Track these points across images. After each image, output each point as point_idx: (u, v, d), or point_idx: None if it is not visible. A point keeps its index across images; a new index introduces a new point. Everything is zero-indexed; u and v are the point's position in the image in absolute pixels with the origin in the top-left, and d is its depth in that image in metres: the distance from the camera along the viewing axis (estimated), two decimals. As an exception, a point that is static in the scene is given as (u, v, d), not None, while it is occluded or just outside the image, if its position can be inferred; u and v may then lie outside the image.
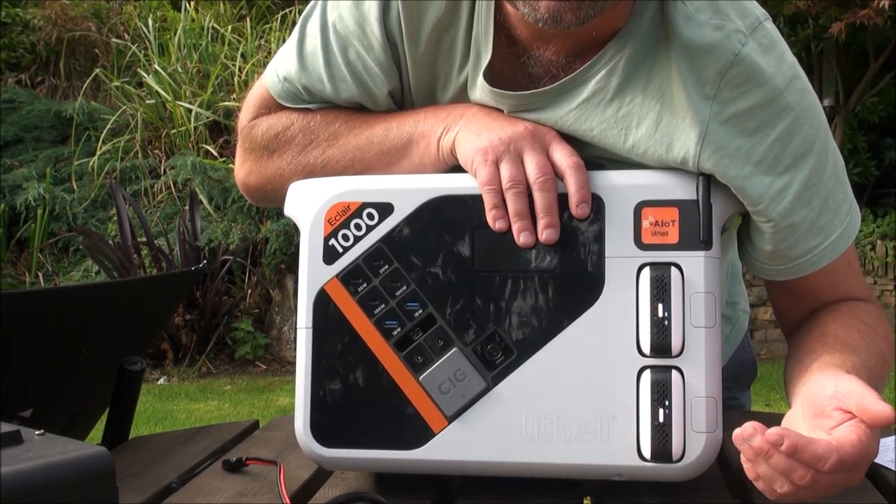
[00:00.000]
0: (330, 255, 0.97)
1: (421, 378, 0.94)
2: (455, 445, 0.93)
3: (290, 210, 1.01)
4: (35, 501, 0.63)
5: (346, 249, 0.96)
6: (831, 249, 0.99)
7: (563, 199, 0.93)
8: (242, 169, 1.14)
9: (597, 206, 0.93)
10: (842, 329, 1.00)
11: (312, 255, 0.97)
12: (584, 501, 0.97)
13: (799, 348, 1.01)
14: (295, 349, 0.97)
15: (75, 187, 6.26)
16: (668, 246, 0.92)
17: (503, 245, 0.94)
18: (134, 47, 7.05)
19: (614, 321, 0.91)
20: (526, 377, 0.92)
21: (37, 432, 0.70)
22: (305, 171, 1.06)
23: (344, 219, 0.97)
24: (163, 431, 1.45)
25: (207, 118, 6.37)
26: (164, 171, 6.21)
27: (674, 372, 0.90)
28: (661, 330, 0.90)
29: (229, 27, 7.07)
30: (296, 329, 1.01)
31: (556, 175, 0.94)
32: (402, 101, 1.07)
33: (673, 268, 0.91)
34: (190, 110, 6.34)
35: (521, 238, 0.93)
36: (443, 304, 0.94)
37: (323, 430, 0.95)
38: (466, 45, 1.00)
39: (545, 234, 0.93)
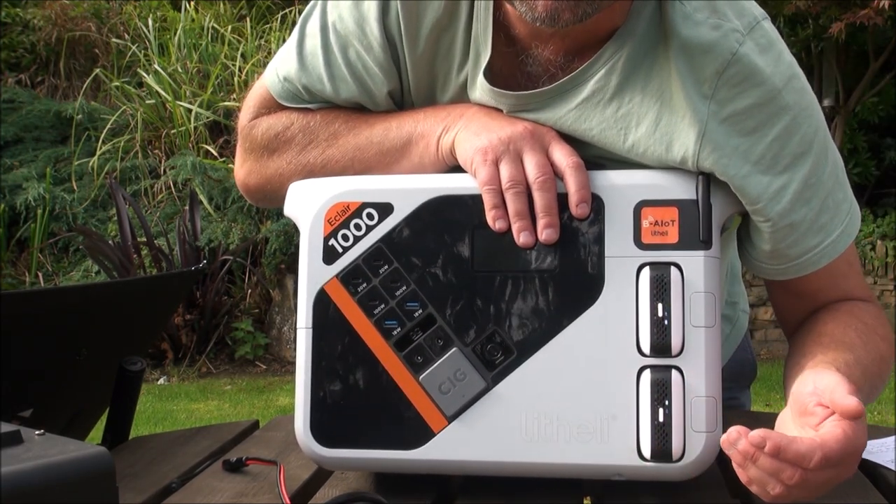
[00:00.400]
0: (330, 255, 0.97)
1: (421, 378, 0.94)
2: (455, 445, 0.93)
3: (289, 210, 1.01)
4: (35, 501, 0.63)
5: (345, 249, 0.96)
6: (831, 249, 0.99)
7: (562, 198, 0.93)
8: (242, 169, 1.14)
9: (596, 205, 0.93)
10: (839, 328, 1.00)
11: (312, 255, 0.97)
12: (584, 501, 0.97)
13: (797, 349, 1.01)
14: (295, 349, 0.97)
15: (75, 187, 6.26)
16: (668, 246, 0.92)
17: (503, 245, 0.94)
18: (134, 47, 7.05)
19: (614, 321, 0.91)
20: (526, 377, 0.92)
21: (37, 432, 0.70)
22: (305, 171, 1.06)
23: (344, 219, 0.97)
24: (163, 431, 1.45)
25: (207, 118, 6.37)
26: (164, 171, 6.21)
27: (673, 371, 0.90)
28: (660, 330, 0.90)
29: (229, 27, 7.07)
30: (296, 329, 1.01)
31: (556, 175, 0.94)
32: (401, 102, 1.07)
33: (673, 267, 0.91)
34: (190, 110, 6.34)
35: (521, 238, 0.93)
36: (443, 304, 0.94)
37: (323, 429, 0.95)
38: (466, 45, 1.00)
39: (545, 234, 0.93)
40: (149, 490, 1.01)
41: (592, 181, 0.94)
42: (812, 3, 5.64)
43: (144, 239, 5.49)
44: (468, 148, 0.96)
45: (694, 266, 0.91)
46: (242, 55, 6.75)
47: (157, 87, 6.49)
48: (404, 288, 0.95)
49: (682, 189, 0.93)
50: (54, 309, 1.10)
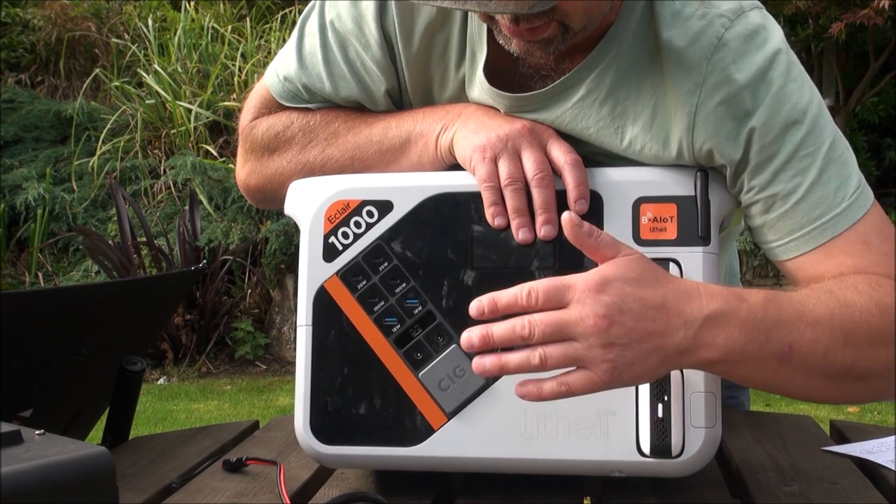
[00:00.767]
0: (330, 253, 0.97)
1: (420, 375, 0.94)
2: (454, 442, 0.93)
3: (289, 208, 1.02)
4: (35, 501, 0.63)
5: (345, 247, 0.97)
6: (836, 222, 0.94)
7: (561, 195, 0.93)
8: (244, 170, 1.14)
9: (595, 202, 0.93)
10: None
11: (312, 252, 0.97)
12: (585, 501, 0.96)
13: None
14: (295, 349, 0.97)
15: (75, 187, 6.25)
16: (667, 242, 0.92)
17: (502, 242, 0.94)
18: (134, 47, 7.05)
19: (613, 318, 0.91)
20: (525, 374, 0.92)
21: (37, 432, 0.70)
22: (305, 170, 1.06)
23: (344, 216, 0.97)
24: (163, 431, 1.45)
25: (207, 118, 6.37)
26: (164, 171, 6.21)
27: (673, 368, 0.90)
28: (660, 327, 0.90)
29: (229, 27, 7.07)
30: (296, 328, 1.01)
31: (555, 172, 0.94)
32: (399, 101, 1.08)
33: (671, 263, 0.91)
34: (190, 110, 6.34)
35: (520, 234, 0.93)
36: (442, 301, 0.94)
37: (322, 427, 0.95)
38: (462, 44, 1.01)
39: (544, 231, 0.93)
40: (149, 490, 1.01)
41: (591, 178, 0.94)
42: (812, 3, 5.64)
43: (144, 239, 5.49)
44: (467, 146, 0.96)
45: (692, 262, 0.91)
46: (242, 55, 6.75)
47: (156, 87, 6.49)
48: (404, 285, 0.95)
49: (681, 185, 0.93)
50: (54, 309, 1.10)
